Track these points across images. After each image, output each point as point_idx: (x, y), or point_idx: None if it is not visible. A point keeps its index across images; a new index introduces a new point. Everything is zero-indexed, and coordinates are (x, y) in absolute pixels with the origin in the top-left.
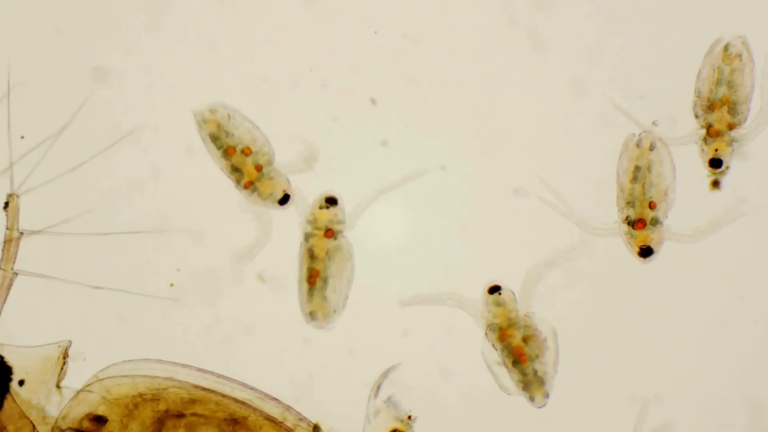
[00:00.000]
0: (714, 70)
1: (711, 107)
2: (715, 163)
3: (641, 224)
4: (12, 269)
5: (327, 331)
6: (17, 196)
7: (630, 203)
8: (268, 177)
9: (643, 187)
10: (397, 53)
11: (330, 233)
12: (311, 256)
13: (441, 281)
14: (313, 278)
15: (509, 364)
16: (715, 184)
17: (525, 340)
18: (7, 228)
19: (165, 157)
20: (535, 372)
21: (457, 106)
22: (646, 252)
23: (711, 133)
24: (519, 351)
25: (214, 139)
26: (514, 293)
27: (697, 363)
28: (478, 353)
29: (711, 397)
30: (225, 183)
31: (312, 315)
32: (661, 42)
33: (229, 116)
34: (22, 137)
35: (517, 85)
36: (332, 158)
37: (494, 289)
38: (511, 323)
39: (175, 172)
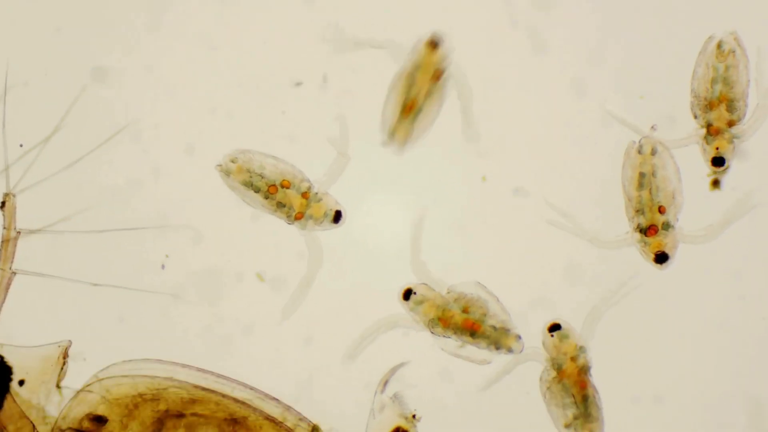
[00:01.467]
0: (708, 68)
1: (709, 106)
2: (718, 161)
3: (653, 230)
4: (10, 269)
5: (327, 330)
6: (14, 195)
7: (639, 211)
8: (316, 200)
9: (650, 192)
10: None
11: (438, 74)
12: (410, 84)
13: (440, 280)
14: (409, 108)
15: (470, 339)
16: (716, 183)
17: (465, 310)
18: (5, 227)
19: (165, 157)
20: (494, 327)
21: (457, 107)
22: (661, 258)
23: (711, 131)
24: (468, 323)
25: (248, 185)
26: (425, 284)
27: (697, 363)
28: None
29: (711, 397)
30: (224, 182)
31: (391, 137)
32: (662, 42)
33: (251, 159)
34: (21, 145)
35: (517, 86)
36: (332, 158)
37: (407, 294)
38: (444, 307)
39: (175, 172)
